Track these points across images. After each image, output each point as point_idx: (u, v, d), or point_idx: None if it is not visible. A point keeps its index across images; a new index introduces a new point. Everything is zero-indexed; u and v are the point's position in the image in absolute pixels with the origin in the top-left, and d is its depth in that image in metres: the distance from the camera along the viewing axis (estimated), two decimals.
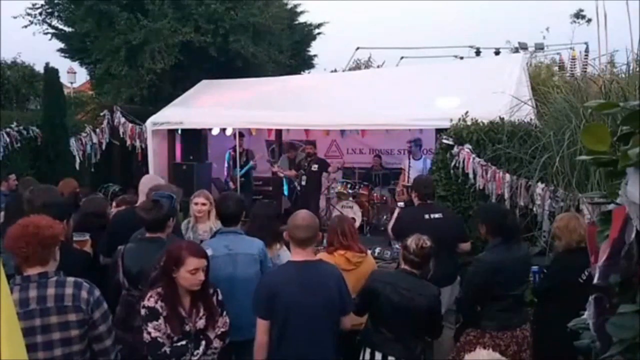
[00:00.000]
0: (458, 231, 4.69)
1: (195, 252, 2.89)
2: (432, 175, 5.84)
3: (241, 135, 9.28)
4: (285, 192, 9.97)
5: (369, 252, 4.16)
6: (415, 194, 4.82)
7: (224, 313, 3.00)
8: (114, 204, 4.93)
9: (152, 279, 2.92)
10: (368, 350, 3.27)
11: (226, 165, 9.47)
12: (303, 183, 8.78)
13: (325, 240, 4.04)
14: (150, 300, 2.82)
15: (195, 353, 2.81)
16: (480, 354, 2.06)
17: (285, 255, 3.85)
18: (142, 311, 2.82)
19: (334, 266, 3.29)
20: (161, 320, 2.78)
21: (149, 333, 2.77)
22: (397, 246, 5.72)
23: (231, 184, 9.16)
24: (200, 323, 2.88)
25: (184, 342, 2.80)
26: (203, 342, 2.85)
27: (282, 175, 9.63)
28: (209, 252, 3.27)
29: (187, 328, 2.84)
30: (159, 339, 2.76)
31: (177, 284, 2.85)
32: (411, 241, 3.29)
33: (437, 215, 4.60)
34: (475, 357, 2.01)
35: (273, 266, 3.66)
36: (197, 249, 2.96)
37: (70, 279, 2.54)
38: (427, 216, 4.58)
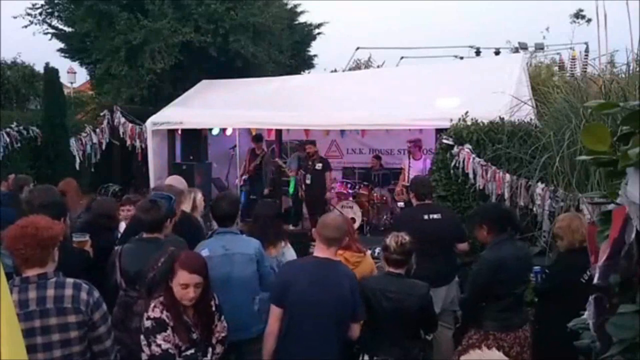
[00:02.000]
0: (457, 231, 4.67)
1: (187, 266, 2.70)
2: (432, 176, 5.84)
3: (261, 138, 9.48)
4: (291, 191, 9.93)
5: (369, 252, 4.16)
6: (413, 194, 4.81)
7: (222, 317, 2.94)
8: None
9: (149, 280, 2.84)
10: (366, 357, 3.27)
11: (243, 164, 9.54)
12: (308, 182, 8.76)
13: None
14: (155, 311, 2.69)
15: None
16: (475, 353, 2.03)
17: (290, 253, 3.87)
18: (148, 323, 2.68)
19: (351, 270, 3.31)
20: (169, 331, 2.67)
21: (159, 345, 2.63)
22: None
23: (238, 182, 9.29)
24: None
25: (192, 351, 2.73)
26: (210, 349, 2.80)
27: (290, 174, 9.67)
28: (205, 252, 3.25)
29: (194, 336, 2.76)
30: (170, 350, 2.65)
31: None
32: (390, 241, 3.28)
33: (436, 216, 4.58)
34: (470, 358, 1.98)
35: (278, 264, 3.67)
36: (192, 263, 2.74)
37: (70, 280, 2.53)
38: (426, 216, 4.56)
